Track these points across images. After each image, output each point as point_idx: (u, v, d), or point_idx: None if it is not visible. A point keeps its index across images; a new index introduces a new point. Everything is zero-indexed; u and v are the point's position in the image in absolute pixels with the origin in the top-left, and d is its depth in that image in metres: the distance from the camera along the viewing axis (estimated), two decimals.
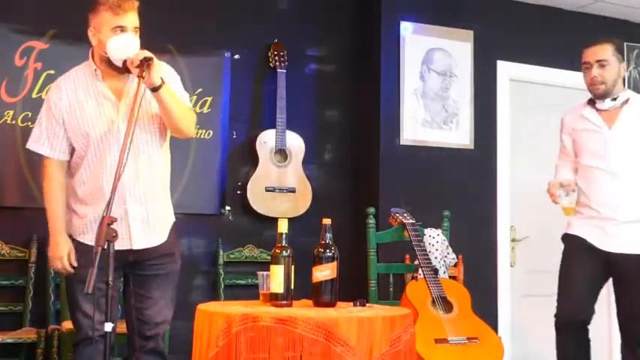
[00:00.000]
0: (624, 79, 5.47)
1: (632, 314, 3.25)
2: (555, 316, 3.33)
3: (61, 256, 2.86)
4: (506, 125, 5.10)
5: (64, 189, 2.96)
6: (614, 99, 3.40)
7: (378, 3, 4.84)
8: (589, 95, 3.45)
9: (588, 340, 3.28)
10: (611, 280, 3.37)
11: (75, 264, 2.86)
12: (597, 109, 3.41)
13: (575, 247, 3.36)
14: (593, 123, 3.40)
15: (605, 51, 3.38)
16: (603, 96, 3.38)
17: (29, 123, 4.06)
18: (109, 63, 2.83)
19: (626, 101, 3.41)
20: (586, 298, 3.27)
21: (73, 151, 2.92)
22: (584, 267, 3.29)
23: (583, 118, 3.46)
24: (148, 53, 2.72)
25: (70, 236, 2.94)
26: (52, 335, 3.83)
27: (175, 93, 2.88)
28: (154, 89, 2.75)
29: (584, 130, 3.43)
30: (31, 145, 2.95)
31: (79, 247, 2.88)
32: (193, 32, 4.51)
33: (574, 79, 5.28)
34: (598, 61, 3.36)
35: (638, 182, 3.30)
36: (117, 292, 2.88)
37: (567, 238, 3.44)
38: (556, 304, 3.34)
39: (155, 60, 2.72)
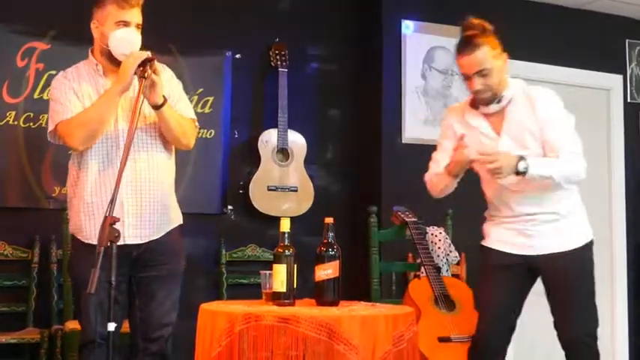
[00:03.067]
0: (626, 77, 5.57)
1: (560, 316, 3.00)
2: (473, 338, 3.11)
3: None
4: None
5: None
6: (499, 101, 3.00)
7: (379, 1, 4.84)
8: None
9: None
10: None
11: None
12: (483, 113, 3.06)
13: (491, 265, 3.10)
14: (480, 131, 3.05)
15: (483, 59, 2.94)
16: (491, 101, 3.01)
17: (31, 124, 4.07)
18: (109, 57, 2.86)
19: (510, 100, 3.01)
20: (500, 321, 3.04)
21: None
22: (500, 286, 3.05)
23: (468, 124, 3.09)
24: (148, 54, 2.75)
25: (72, 235, 2.95)
26: (55, 335, 3.84)
27: (176, 110, 2.91)
28: (156, 107, 2.78)
29: (470, 139, 3.04)
30: (58, 118, 2.83)
31: (80, 248, 2.89)
32: (194, 32, 4.52)
33: (576, 76, 5.32)
34: (477, 72, 2.94)
35: (542, 182, 2.93)
36: (124, 295, 2.88)
37: (483, 252, 3.17)
38: (476, 326, 3.10)
39: (158, 79, 2.74)
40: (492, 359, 3.08)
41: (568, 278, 3.01)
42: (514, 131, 3.00)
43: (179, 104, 2.97)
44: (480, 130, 3.06)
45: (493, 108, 3.03)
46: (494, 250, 3.10)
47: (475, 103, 3.09)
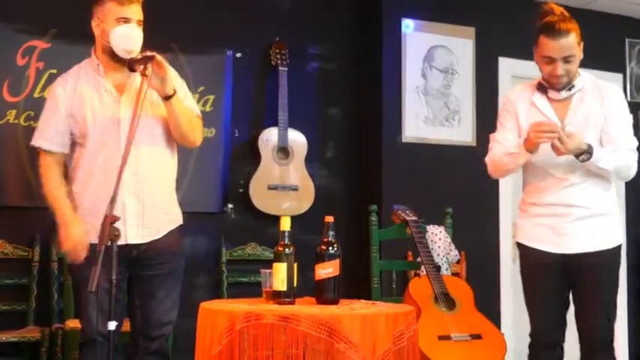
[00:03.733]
0: (625, 76, 5.58)
1: (586, 318, 3.08)
2: (530, 335, 3.16)
3: (75, 241, 2.82)
4: None
5: (64, 181, 2.96)
6: (570, 88, 3.07)
7: (379, 0, 4.84)
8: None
9: (561, 357, 3.13)
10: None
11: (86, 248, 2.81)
12: (549, 98, 3.10)
13: (532, 263, 3.16)
14: (545, 115, 3.08)
15: (572, 44, 3.00)
16: (564, 87, 3.08)
17: (32, 122, 4.06)
18: (111, 54, 2.86)
19: (580, 90, 3.09)
20: (556, 318, 3.11)
21: (73, 144, 2.94)
22: (547, 285, 3.10)
23: (532, 106, 3.12)
24: (149, 52, 2.76)
25: None
26: (55, 334, 3.83)
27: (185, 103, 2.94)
28: (166, 98, 2.79)
29: (534, 121, 3.05)
30: (36, 141, 2.95)
31: None
32: (196, 31, 4.51)
33: None
34: (565, 57, 3.00)
35: (590, 178, 3.05)
36: (121, 293, 2.88)
37: (521, 250, 3.21)
38: (530, 324, 3.17)
39: (170, 71, 2.77)
40: (551, 350, 3.13)
41: (597, 276, 3.06)
42: (578, 120, 3.06)
43: (185, 102, 2.98)
44: (543, 112, 3.10)
45: (563, 95, 3.09)
46: (533, 248, 3.14)
47: (543, 88, 3.12)
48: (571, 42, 3.01)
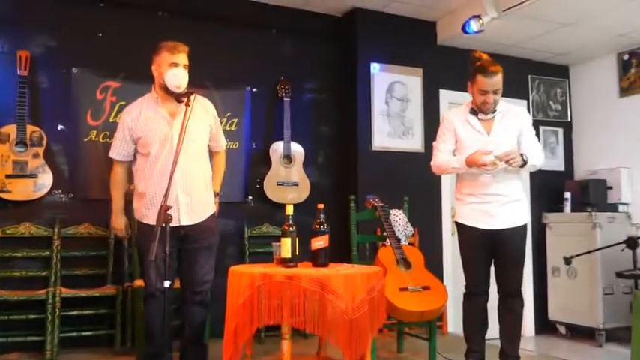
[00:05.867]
0: (529, 101, 5.59)
1: (505, 273, 3.07)
2: (466, 287, 3.15)
3: (120, 227, 3.00)
4: None
5: (125, 182, 3.03)
6: (494, 111, 3.07)
7: (356, 50, 4.83)
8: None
9: (487, 301, 3.13)
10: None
11: (129, 232, 3.01)
12: (478, 118, 3.09)
13: (468, 236, 3.12)
14: (477, 130, 3.06)
15: (499, 81, 2.98)
16: (491, 112, 3.07)
17: (107, 140, 4.05)
18: (165, 89, 2.86)
19: (500, 112, 3.08)
20: (484, 275, 3.11)
21: (136, 155, 2.94)
22: (478, 252, 3.08)
23: (467, 123, 3.08)
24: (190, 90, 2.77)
25: (138, 221, 2.93)
26: (126, 290, 3.82)
27: (217, 138, 3.09)
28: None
29: (468, 134, 3.06)
30: (112, 154, 3.00)
31: (144, 228, 2.88)
32: (224, 72, 4.50)
33: None
34: (495, 90, 2.98)
35: (510, 174, 3.04)
36: (175, 261, 2.87)
37: (460, 227, 3.15)
38: (465, 279, 3.15)
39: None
40: (480, 299, 3.12)
41: (514, 245, 3.07)
42: (500, 132, 3.07)
43: (219, 136, 3.09)
44: (475, 128, 3.09)
45: (489, 116, 3.08)
46: (470, 226, 3.12)
47: (475, 111, 3.10)
48: (499, 79, 2.99)
